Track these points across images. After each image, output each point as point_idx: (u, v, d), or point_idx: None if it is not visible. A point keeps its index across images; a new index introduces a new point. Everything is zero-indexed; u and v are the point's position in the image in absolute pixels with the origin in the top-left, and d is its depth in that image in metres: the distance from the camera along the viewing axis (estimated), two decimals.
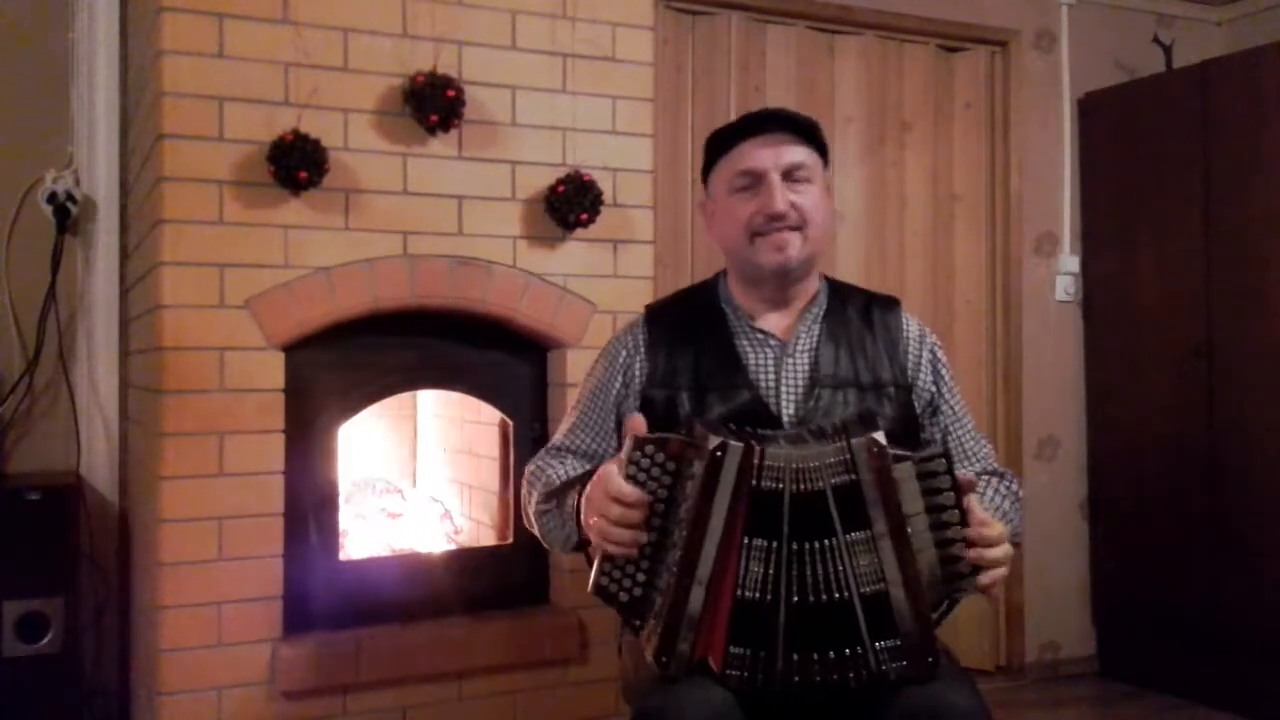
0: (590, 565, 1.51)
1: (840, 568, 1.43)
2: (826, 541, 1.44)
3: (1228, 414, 3.52)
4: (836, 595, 1.43)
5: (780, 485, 1.43)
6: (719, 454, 1.42)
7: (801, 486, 1.44)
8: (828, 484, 1.44)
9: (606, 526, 1.45)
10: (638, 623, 1.48)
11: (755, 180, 1.70)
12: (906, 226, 3.73)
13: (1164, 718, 3.52)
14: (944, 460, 1.45)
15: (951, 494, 1.45)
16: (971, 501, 1.48)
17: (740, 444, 1.43)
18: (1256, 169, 3.45)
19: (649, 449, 1.45)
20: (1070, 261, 3.97)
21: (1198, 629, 3.58)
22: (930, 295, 3.75)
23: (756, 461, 1.43)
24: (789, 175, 1.70)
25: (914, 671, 1.43)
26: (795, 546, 1.43)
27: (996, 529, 1.49)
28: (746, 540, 1.44)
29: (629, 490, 1.44)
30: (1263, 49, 3.55)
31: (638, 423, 1.51)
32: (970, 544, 1.46)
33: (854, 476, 1.44)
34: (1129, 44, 4.04)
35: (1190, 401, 3.62)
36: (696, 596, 1.43)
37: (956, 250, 3.83)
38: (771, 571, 1.43)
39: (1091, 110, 3.98)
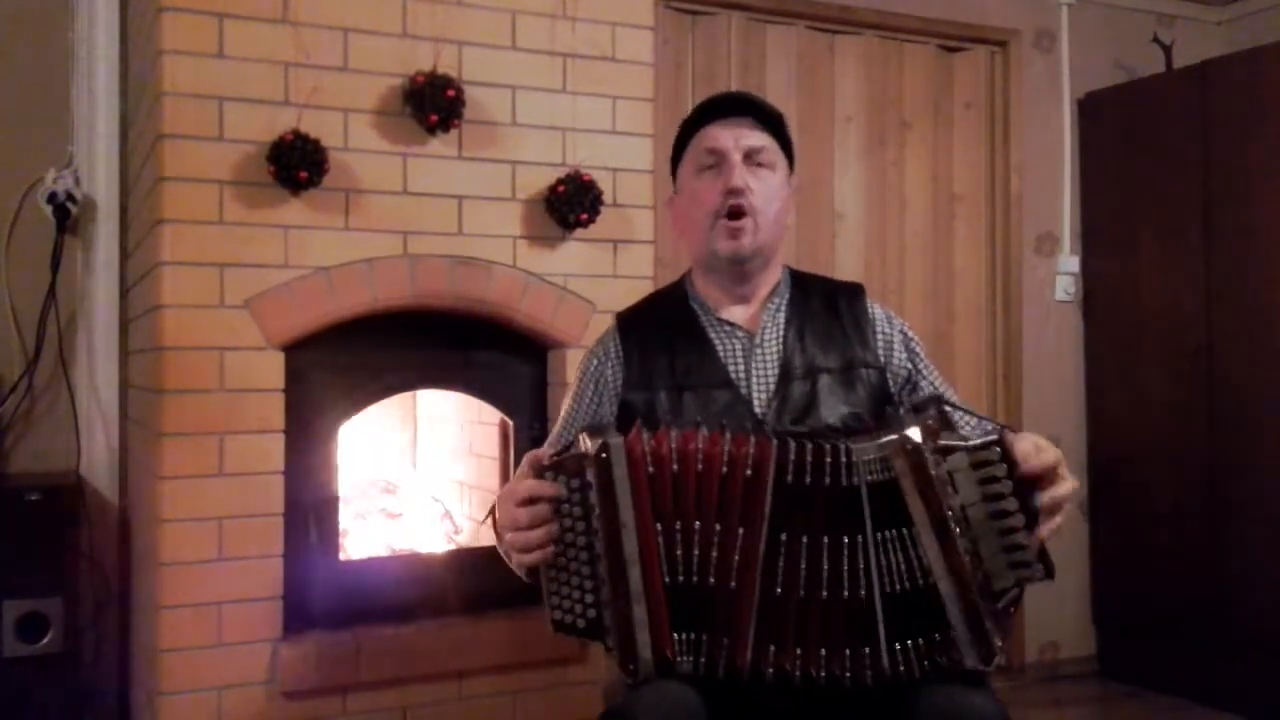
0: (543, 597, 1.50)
1: (859, 564, 1.43)
2: (839, 538, 1.43)
3: (1228, 414, 3.52)
4: (845, 593, 1.43)
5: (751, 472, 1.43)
6: (604, 455, 1.43)
7: (805, 479, 1.43)
8: (862, 480, 1.43)
9: (521, 535, 1.45)
10: (608, 642, 1.47)
11: (718, 159, 1.71)
12: (906, 226, 3.73)
13: (1164, 718, 3.52)
14: (998, 449, 1.42)
15: (1010, 482, 1.42)
16: (1016, 447, 1.43)
17: (620, 438, 1.44)
18: (1257, 169, 3.45)
19: (548, 475, 1.46)
20: (1070, 261, 3.97)
21: (1198, 629, 3.58)
22: (930, 295, 3.76)
23: (674, 446, 1.43)
24: (750, 158, 1.71)
25: (977, 656, 1.42)
26: (785, 537, 1.43)
27: (1049, 456, 1.44)
28: (662, 525, 1.44)
29: (529, 485, 1.45)
30: (1263, 49, 3.55)
31: (537, 455, 1.50)
32: (1034, 489, 1.43)
33: (888, 474, 1.43)
34: (1129, 44, 4.04)
35: (1190, 401, 3.62)
36: (636, 596, 1.43)
37: (956, 250, 3.83)
38: (737, 558, 1.43)
39: (1092, 110, 3.98)
